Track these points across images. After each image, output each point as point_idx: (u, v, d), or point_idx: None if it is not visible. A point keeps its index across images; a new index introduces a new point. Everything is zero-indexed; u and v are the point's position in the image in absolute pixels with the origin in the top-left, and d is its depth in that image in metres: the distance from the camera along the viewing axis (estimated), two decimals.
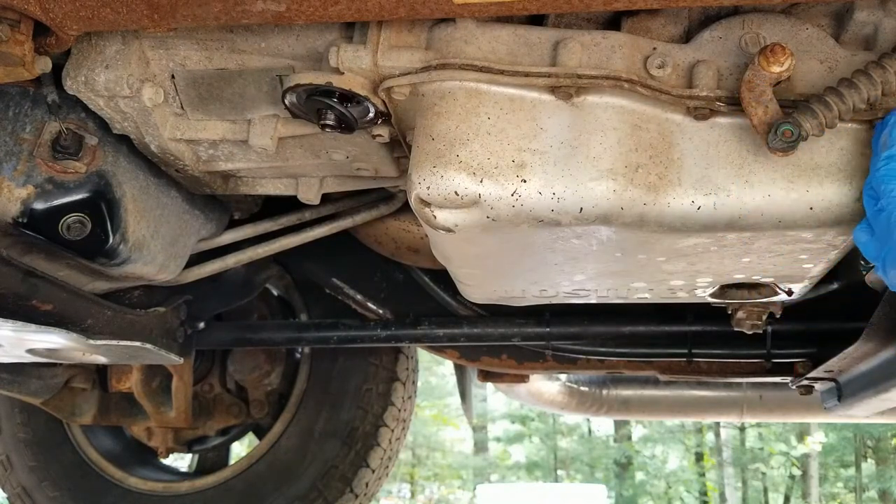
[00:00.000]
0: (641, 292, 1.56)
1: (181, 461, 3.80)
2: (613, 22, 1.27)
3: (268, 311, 2.81)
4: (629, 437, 20.18)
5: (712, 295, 1.56)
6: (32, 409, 2.72)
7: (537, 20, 1.28)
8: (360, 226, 2.05)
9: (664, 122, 1.18)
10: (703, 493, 19.48)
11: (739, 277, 1.44)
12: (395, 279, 2.43)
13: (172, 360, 2.07)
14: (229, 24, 1.28)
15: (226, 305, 2.43)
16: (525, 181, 1.14)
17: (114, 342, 1.78)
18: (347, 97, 1.28)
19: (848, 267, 1.80)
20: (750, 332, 1.73)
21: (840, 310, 2.08)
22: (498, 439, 22.11)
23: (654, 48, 1.20)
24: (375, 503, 3.02)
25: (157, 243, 1.67)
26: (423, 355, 3.08)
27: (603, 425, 20.73)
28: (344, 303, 2.43)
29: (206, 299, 2.23)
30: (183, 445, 2.90)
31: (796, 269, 1.36)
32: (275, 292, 2.85)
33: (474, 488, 19.73)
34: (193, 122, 1.50)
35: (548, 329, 2.24)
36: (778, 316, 1.70)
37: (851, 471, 18.55)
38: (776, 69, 1.09)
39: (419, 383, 3.06)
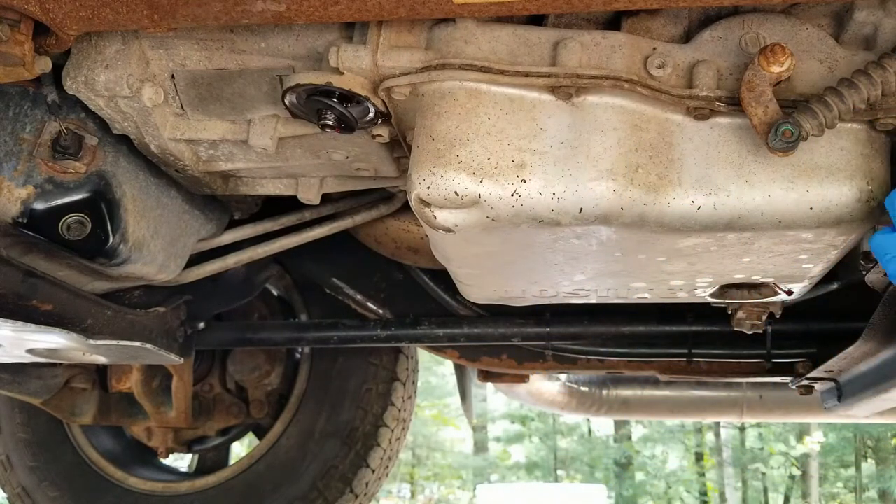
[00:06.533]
0: (641, 292, 1.56)
1: (181, 461, 3.80)
2: (613, 22, 1.27)
3: (268, 311, 2.81)
4: (629, 437, 20.18)
5: (712, 295, 1.56)
6: (32, 409, 2.72)
7: (537, 20, 1.28)
8: (360, 226, 2.05)
9: (664, 122, 1.18)
10: (703, 493, 19.49)
11: (739, 277, 1.44)
12: (395, 279, 2.43)
13: (172, 360, 2.07)
14: (229, 24, 1.28)
15: (226, 305, 2.43)
16: (525, 181, 1.14)
17: (114, 342, 1.78)
18: (347, 97, 1.28)
19: (848, 267, 1.80)
20: (750, 332, 1.73)
21: (840, 310, 2.08)
22: (498, 439, 22.11)
23: (654, 48, 1.20)
24: (375, 503, 3.01)
25: (157, 243, 1.67)
26: (423, 355, 3.08)
27: (603, 425, 20.73)
28: (344, 303, 2.43)
29: (206, 299, 2.23)
30: (183, 445, 2.90)
31: (796, 270, 1.36)
32: (275, 292, 2.85)
33: (474, 488, 19.74)
34: (193, 122, 1.50)
35: (548, 329, 2.24)
36: (778, 316, 1.70)
37: (851, 471, 18.56)
38: (776, 69, 1.09)
39: (419, 383, 3.06)
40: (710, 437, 19.31)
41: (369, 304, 2.41)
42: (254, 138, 1.46)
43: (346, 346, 2.42)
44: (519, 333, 2.26)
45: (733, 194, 1.14)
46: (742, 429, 18.30)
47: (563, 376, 3.30)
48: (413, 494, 21.71)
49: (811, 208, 1.14)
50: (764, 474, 18.95)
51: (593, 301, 1.65)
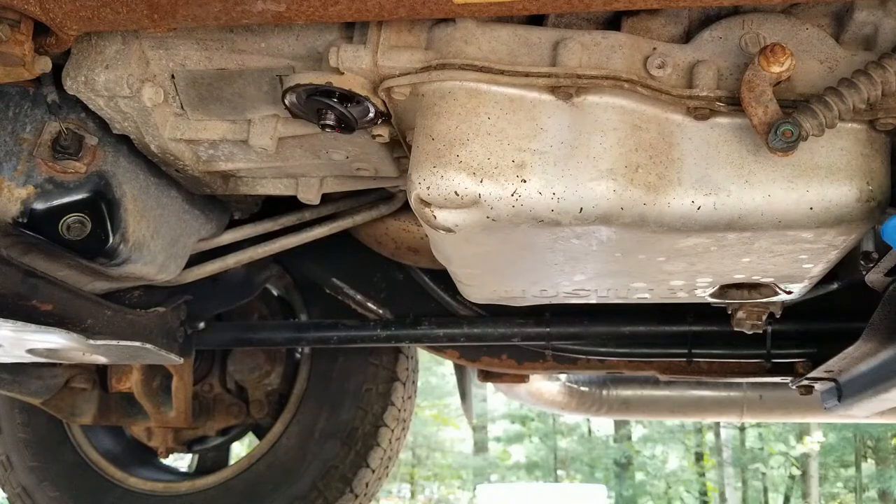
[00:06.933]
0: (641, 292, 1.56)
1: (181, 461, 3.80)
2: (613, 22, 1.27)
3: (268, 311, 2.81)
4: (629, 437, 20.18)
5: (712, 295, 1.56)
6: (32, 409, 2.72)
7: (537, 20, 1.28)
8: (360, 226, 2.05)
9: (664, 122, 1.18)
10: (703, 493, 19.49)
11: (739, 277, 1.44)
12: (395, 279, 2.43)
13: (172, 360, 2.07)
14: (229, 24, 1.28)
15: (226, 305, 2.42)
16: (525, 181, 1.14)
17: (114, 342, 1.78)
18: (347, 97, 1.28)
19: (848, 267, 1.80)
20: (750, 332, 1.73)
21: (840, 310, 2.08)
22: (498, 439, 22.12)
23: (654, 48, 1.20)
24: (375, 503, 3.01)
25: (157, 243, 1.67)
26: (423, 355, 3.08)
27: (603, 425, 20.73)
28: (344, 303, 2.43)
29: (206, 299, 2.23)
30: (183, 445, 2.90)
31: (796, 270, 1.36)
32: (275, 292, 2.85)
33: (474, 488, 19.75)
34: (193, 122, 1.50)
35: (548, 329, 2.24)
36: (778, 316, 1.70)
37: (851, 471, 18.56)
38: (776, 69, 1.09)
39: (419, 383, 3.06)
40: (710, 437, 19.31)
41: (369, 304, 2.41)
42: (254, 138, 1.46)
43: (346, 346, 2.42)
44: (519, 333, 2.26)
45: (733, 194, 1.14)
46: (742, 429, 18.30)
47: (563, 376, 3.30)
48: (413, 494, 21.71)
49: (811, 208, 1.14)
50: (764, 474, 18.95)
51: (593, 301, 1.65)
